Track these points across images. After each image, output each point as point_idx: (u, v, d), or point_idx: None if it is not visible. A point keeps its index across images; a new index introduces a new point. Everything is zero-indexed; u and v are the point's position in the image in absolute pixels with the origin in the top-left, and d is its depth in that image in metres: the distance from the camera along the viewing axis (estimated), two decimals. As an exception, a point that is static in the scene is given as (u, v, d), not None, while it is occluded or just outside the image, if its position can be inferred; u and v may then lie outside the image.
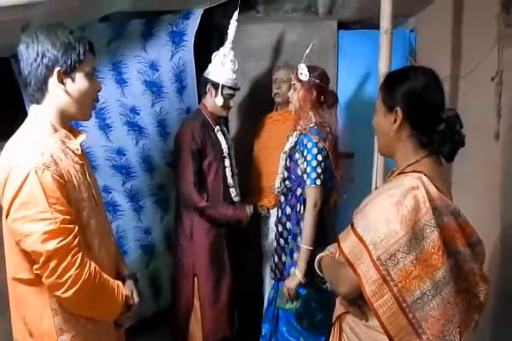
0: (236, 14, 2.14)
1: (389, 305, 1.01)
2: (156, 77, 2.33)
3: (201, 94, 2.22)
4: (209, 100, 2.13)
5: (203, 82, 2.15)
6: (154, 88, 2.34)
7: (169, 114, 2.39)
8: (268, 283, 2.32)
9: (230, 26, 2.14)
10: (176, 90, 2.37)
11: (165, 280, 2.57)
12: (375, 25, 1.87)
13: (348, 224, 1.13)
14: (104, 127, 2.37)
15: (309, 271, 1.84)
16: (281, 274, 1.94)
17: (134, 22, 2.29)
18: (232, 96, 2.14)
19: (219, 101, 2.08)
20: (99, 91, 1.26)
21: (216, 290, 2.12)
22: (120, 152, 2.41)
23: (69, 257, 1.08)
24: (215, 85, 2.09)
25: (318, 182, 1.82)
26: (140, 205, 2.52)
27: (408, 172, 1.10)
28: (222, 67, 2.09)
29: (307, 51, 1.96)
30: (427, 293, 1.01)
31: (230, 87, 2.10)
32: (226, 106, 2.14)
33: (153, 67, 2.31)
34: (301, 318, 1.91)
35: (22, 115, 1.21)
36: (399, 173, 1.13)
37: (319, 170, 1.82)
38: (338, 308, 1.22)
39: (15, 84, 1.97)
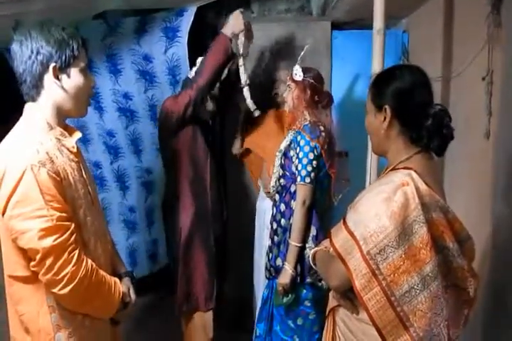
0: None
1: (378, 299, 1.03)
2: (150, 68, 2.37)
3: None
4: None
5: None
6: (147, 76, 2.38)
7: (160, 101, 2.38)
8: (261, 282, 2.32)
9: None
10: (168, 82, 2.40)
11: (141, 255, 2.71)
12: (368, 26, 1.88)
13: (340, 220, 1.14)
14: (98, 108, 2.45)
15: (302, 269, 1.86)
16: (276, 272, 1.94)
17: (128, 19, 2.31)
18: None
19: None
20: (93, 87, 1.27)
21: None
22: (110, 133, 2.50)
23: (65, 254, 1.09)
24: None
25: (308, 180, 1.83)
26: (126, 185, 2.62)
27: (399, 168, 1.12)
28: None
29: (302, 53, 1.97)
30: (415, 287, 1.03)
31: None
32: None
33: (147, 58, 2.35)
34: (295, 317, 1.92)
35: (18, 112, 1.21)
36: (391, 170, 1.15)
37: (309, 168, 1.83)
38: (331, 302, 1.24)
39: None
